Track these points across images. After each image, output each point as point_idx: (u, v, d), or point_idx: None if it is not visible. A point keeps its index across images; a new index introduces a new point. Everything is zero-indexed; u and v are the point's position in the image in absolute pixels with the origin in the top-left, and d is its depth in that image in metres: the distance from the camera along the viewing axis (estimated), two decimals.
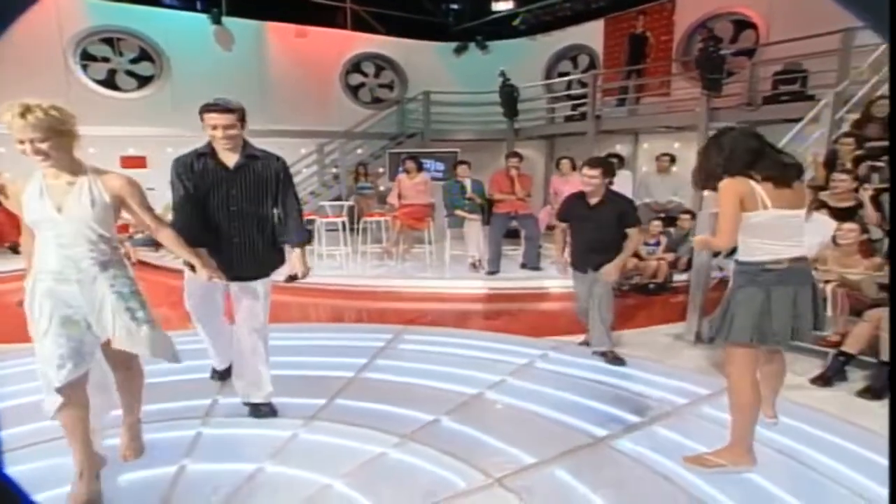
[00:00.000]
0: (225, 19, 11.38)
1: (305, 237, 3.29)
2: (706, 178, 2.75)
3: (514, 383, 3.91)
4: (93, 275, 2.41)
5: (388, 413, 3.41)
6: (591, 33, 12.80)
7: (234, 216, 3.05)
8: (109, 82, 10.85)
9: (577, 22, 13.08)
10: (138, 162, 10.87)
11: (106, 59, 10.81)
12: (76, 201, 2.35)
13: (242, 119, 2.99)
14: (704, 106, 9.30)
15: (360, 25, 13.73)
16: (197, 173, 3.01)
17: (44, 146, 2.22)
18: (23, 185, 2.35)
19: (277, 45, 12.35)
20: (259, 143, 12.23)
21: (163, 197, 10.68)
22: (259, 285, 3.22)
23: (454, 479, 2.70)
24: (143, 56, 11.10)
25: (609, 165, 4.37)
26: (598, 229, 4.25)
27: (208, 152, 3.03)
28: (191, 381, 3.83)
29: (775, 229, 2.60)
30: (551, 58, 13.64)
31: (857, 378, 3.94)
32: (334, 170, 12.93)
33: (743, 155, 2.61)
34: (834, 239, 4.46)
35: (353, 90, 13.57)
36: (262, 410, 3.33)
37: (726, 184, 2.62)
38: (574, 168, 8.17)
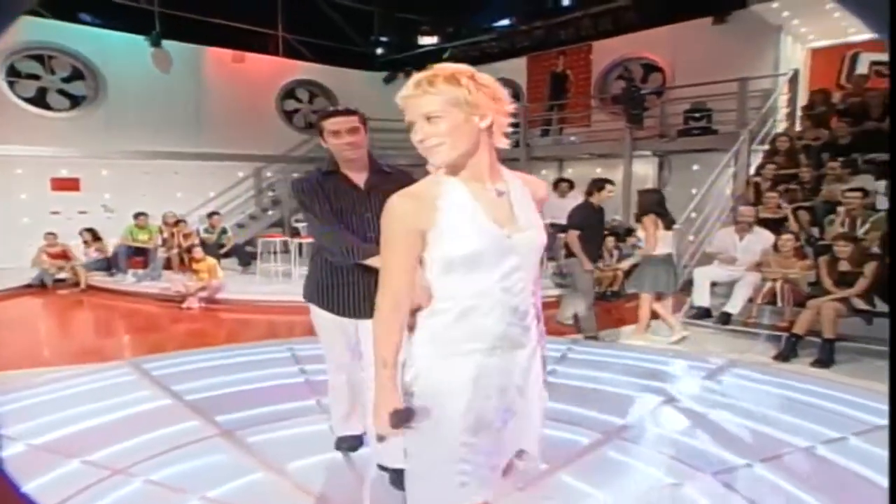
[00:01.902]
0: (163, 42, 11.22)
1: None
2: (641, 213, 5.59)
3: None
4: (536, 331, 1.56)
5: None
6: (516, 69, 13.93)
7: (370, 242, 2.53)
8: (39, 100, 10.30)
9: (502, 58, 14.19)
10: (71, 184, 10.39)
11: (35, 77, 10.28)
12: (525, 218, 1.50)
13: (365, 124, 2.63)
14: (628, 137, 10.58)
15: (292, 53, 13.99)
16: (329, 194, 2.59)
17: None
18: (427, 196, 1.44)
19: (215, 69, 12.33)
20: (195, 165, 12.44)
21: (121, 221, 10.41)
22: None
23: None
24: (76, 75, 10.66)
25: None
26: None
27: (335, 170, 2.62)
28: None
29: (663, 239, 5.40)
30: None
31: (806, 354, 4.95)
32: (271, 193, 13.00)
33: (654, 203, 5.51)
34: (775, 246, 5.56)
35: (288, 115, 13.74)
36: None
37: (648, 217, 5.46)
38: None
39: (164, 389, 4.09)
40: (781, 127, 9.40)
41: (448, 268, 1.43)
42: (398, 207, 1.42)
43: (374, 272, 2.40)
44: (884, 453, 2.84)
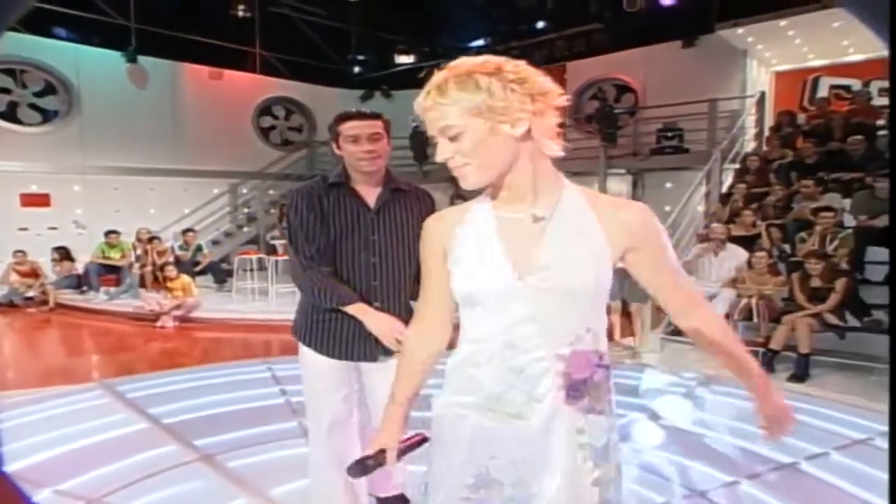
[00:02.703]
0: (140, 58, 11.10)
1: None
2: None
3: None
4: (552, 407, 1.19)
5: None
6: None
7: (375, 271, 2.18)
8: (9, 115, 10.06)
9: None
10: (41, 200, 10.14)
11: (6, 91, 10.05)
12: (558, 254, 1.18)
13: (388, 132, 2.21)
14: (603, 155, 10.76)
15: (269, 70, 13.97)
16: (329, 210, 2.15)
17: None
18: (450, 220, 1.29)
19: (192, 85, 12.22)
20: (170, 181, 12.23)
21: (92, 237, 10.19)
22: None
23: None
24: (49, 89, 10.45)
25: None
26: None
27: (342, 182, 2.19)
28: None
29: None
30: None
31: (782, 369, 5.04)
32: (246, 210, 12.86)
33: None
34: (749, 263, 5.68)
35: (265, 132, 13.66)
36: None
37: None
38: None
39: (139, 412, 3.99)
40: (749, 146, 9.67)
41: (460, 304, 1.26)
42: (425, 229, 1.32)
43: (386, 299, 2.15)
44: (865, 468, 2.91)
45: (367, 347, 2.17)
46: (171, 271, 7.78)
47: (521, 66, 1.13)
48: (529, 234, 1.17)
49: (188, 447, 3.38)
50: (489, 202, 1.24)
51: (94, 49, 10.89)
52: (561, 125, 1.17)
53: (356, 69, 15.70)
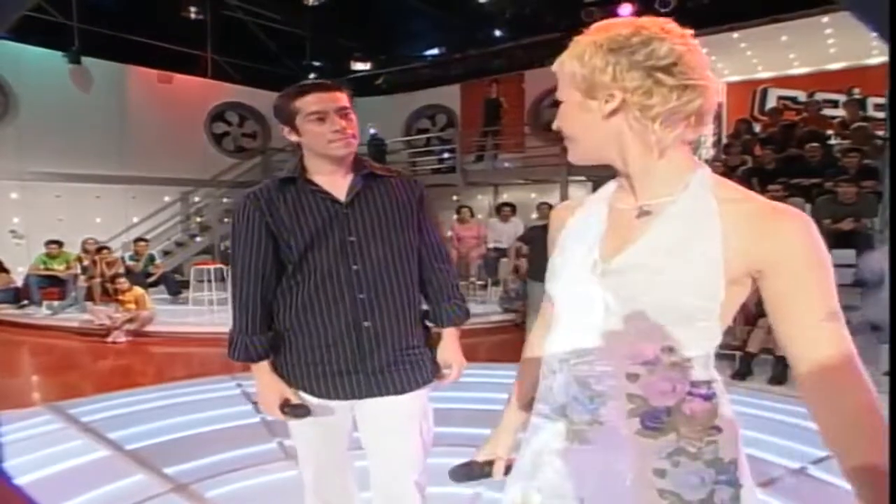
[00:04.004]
0: (84, 59, 10.51)
1: (464, 311, 1.91)
2: None
3: None
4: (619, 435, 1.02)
5: None
6: (450, 95, 14.08)
7: (358, 281, 1.72)
8: None
9: (435, 85, 14.30)
10: None
11: None
12: (651, 252, 0.98)
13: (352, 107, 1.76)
14: (564, 162, 10.82)
15: (222, 75, 13.52)
16: (286, 212, 1.71)
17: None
18: (569, 207, 1.18)
19: (140, 89, 11.69)
20: (117, 189, 11.75)
21: (31, 248, 9.55)
22: (411, 402, 1.79)
23: None
24: None
25: None
26: None
27: (298, 177, 1.74)
28: None
29: None
30: (411, 115, 14.67)
31: (760, 372, 5.09)
32: (199, 219, 12.35)
33: None
34: None
35: (217, 139, 13.19)
36: None
37: None
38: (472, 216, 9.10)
39: (97, 438, 3.66)
40: (706, 154, 9.92)
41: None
42: (551, 213, 1.22)
43: (378, 316, 1.72)
44: None
45: (364, 379, 1.73)
46: (123, 283, 7.32)
47: (649, 31, 0.94)
48: (631, 229, 1.00)
49: (158, 476, 3.09)
50: (605, 189, 1.10)
51: (33, 48, 10.27)
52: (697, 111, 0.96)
53: (311, 75, 15.39)
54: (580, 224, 1.08)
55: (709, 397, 0.98)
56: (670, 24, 0.96)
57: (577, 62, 0.97)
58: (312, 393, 1.74)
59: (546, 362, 1.08)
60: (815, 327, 0.90)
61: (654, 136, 0.96)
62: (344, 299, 1.70)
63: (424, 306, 1.89)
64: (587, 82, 0.97)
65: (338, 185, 1.74)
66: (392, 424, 1.78)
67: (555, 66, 1.02)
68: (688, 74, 0.93)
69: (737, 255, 0.91)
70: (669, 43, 0.93)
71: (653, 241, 0.96)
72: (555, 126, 1.05)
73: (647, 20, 0.96)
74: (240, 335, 1.71)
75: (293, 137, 1.74)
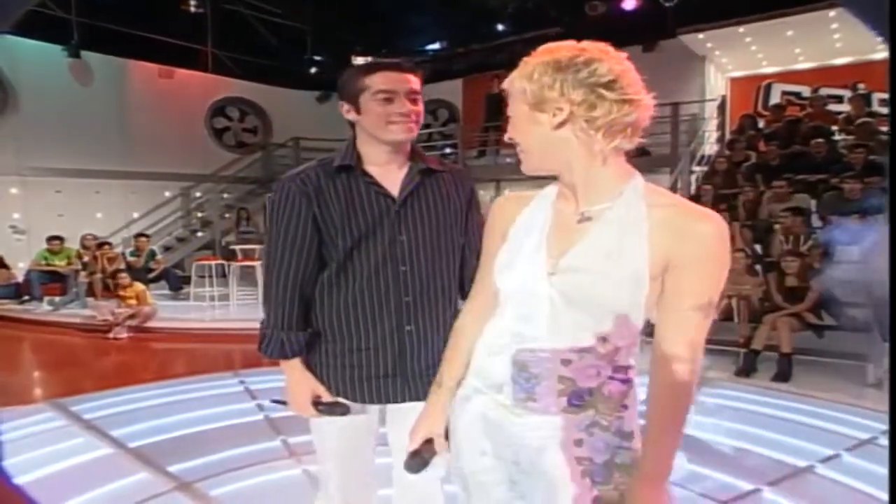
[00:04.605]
0: (84, 53, 10.45)
1: None
2: None
3: None
4: (548, 411, 1.19)
5: None
6: (452, 90, 14.02)
7: (406, 284, 1.63)
8: None
9: (437, 79, 14.23)
10: None
11: None
12: (591, 258, 1.12)
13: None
14: None
15: (223, 69, 13.46)
16: (337, 206, 1.58)
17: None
18: (518, 202, 1.27)
19: (140, 84, 11.64)
20: (118, 184, 11.71)
21: (32, 243, 9.57)
22: None
23: None
24: None
25: None
26: None
27: (353, 164, 1.61)
28: None
29: None
30: None
31: (764, 369, 5.06)
32: (200, 214, 12.33)
33: None
34: None
35: (218, 133, 13.14)
36: None
37: None
38: None
39: (100, 435, 3.62)
40: (713, 150, 9.87)
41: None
42: (496, 204, 1.31)
43: (422, 320, 1.64)
44: (879, 469, 2.87)
45: (395, 382, 1.65)
46: (125, 278, 7.29)
47: (590, 53, 1.08)
48: (573, 232, 1.14)
49: (162, 474, 3.05)
50: (551, 191, 1.22)
51: (32, 42, 10.18)
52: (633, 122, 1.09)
53: (312, 70, 15.31)
54: (528, 221, 1.20)
55: (626, 381, 1.16)
56: (608, 48, 1.11)
57: (526, 80, 1.11)
58: (346, 396, 1.65)
59: (486, 344, 1.23)
60: (680, 312, 1.07)
61: (597, 144, 1.09)
62: (390, 302, 1.62)
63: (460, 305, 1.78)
64: (536, 97, 1.10)
65: (392, 177, 1.63)
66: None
67: (505, 84, 1.16)
68: (626, 90, 1.06)
69: (659, 253, 1.06)
70: (608, 63, 1.07)
71: (593, 245, 1.11)
72: (506, 137, 1.17)
73: (587, 44, 1.10)
74: (275, 330, 1.61)
75: (351, 116, 1.62)
